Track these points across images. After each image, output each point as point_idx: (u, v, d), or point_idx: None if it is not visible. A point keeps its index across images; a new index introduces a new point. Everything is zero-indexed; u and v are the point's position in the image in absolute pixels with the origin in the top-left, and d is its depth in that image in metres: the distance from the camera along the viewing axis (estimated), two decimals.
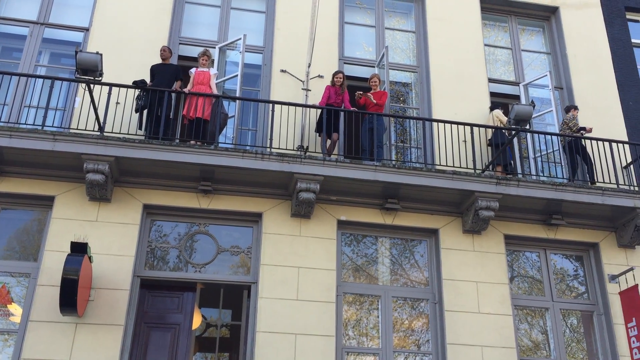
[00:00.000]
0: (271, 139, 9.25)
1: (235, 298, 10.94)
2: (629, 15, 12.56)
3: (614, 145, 10.39)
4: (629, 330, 9.20)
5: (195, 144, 8.80)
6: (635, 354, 9.00)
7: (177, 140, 9.25)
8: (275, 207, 9.23)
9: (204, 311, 12.24)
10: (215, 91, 9.57)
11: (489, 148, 10.31)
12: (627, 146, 10.56)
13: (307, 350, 8.41)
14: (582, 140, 10.37)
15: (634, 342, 9.08)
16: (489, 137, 10.32)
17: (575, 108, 10.70)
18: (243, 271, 9.09)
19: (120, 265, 8.40)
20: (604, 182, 9.89)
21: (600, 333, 9.62)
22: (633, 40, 12.23)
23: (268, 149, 9.29)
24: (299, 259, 8.95)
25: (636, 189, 9.94)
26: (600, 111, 11.18)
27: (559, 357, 9.38)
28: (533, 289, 9.98)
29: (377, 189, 9.30)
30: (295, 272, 8.85)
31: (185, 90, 9.40)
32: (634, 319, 9.13)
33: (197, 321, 10.36)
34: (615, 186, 9.86)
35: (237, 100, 9.73)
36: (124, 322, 8.14)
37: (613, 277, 9.72)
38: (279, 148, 9.28)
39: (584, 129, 10.47)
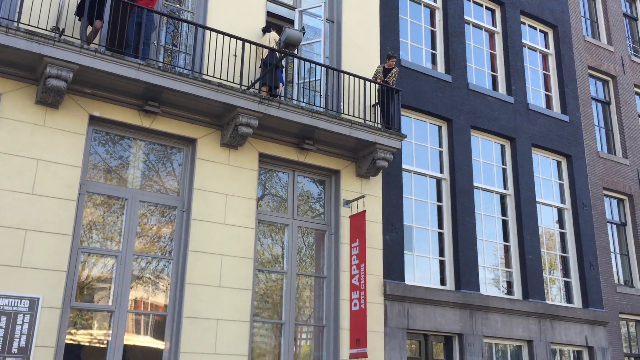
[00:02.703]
0: (20, 13, 8.12)
1: None
2: None
3: (367, 83, 11.29)
4: (352, 249, 10.41)
5: None
6: (354, 269, 10.25)
7: None
8: (18, 90, 8.24)
9: None
10: None
11: (260, 68, 10.45)
12: (376, 86, 11.54)
13: (38, 248, 7.87)
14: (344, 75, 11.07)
15: (354, 259, 10.32)
16: (264, 57, 10.43)
17: (392, 57, 11.25)
18: None
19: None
20: (353, 116, 10.74)
21: (328, 250, 10.71)
22: None
23: (16, 24, 8.16)
24: (40, 150, 8.20)
25: (379, 126, 11.02)
26: (363, 50, 12.01)
27: (291, 270, 10.26)
28: (280, 208, 10.63)
29: (139, 89, 8.85)
30: (34, 164, 8.11)
31: None
32: (357, 239, 10.34)
33: None
34: (362, 121, 10.79)
35: None
36: None
37: (347, 202, 10.81)
38: (29, 25, 8.19)
39: (386, 82, 11.15)
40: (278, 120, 9.81)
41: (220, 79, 9.46)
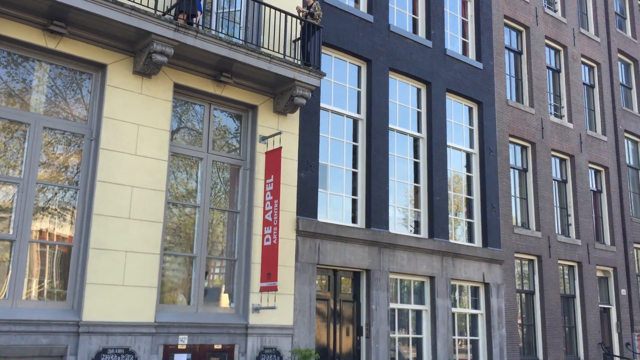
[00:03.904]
0: None
1: None
2: None
3: (289, 18, 11.05)
4: (267, 185, 10.45)
5: None
6: (268, 205, 10.32)
7: None
8: None
9: None
10: None
11: None
12: (297, 21, 11.33)
13: None
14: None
15: (268, 195, 10.37)
16: None
17: None
18: None
19: None
20: (272, 51, 10.54)
21: (243, 185, 10.69)
22: None
23: None
24: None
25: (299, 63, 10.90)
26: None
27: (204, 204, 10.18)
28: (196, 141, 10.41)
29: (43, 6, 8.24)
30: None
31: None
32: (272, 176, 10.37)
33: None
34: (281, 56, 10.63)
35: None
36: None
37: (263, 138, 10.74)
38: None
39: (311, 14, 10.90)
40: (195, 50, 9.48)
41: (133, 1, 8.95)
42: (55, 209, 8.82)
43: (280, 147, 10.39)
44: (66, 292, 8.55)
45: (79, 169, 8.98)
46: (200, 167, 10.33)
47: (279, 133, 10.64)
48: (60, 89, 9.05)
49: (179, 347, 9.19)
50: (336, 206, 12.27)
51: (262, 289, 10.08)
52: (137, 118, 9.27)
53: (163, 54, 9.06)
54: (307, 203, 11.28)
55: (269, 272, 10.00)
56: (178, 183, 10.23)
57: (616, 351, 18.12)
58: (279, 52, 10.60)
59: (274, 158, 10.43)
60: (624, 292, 18.85)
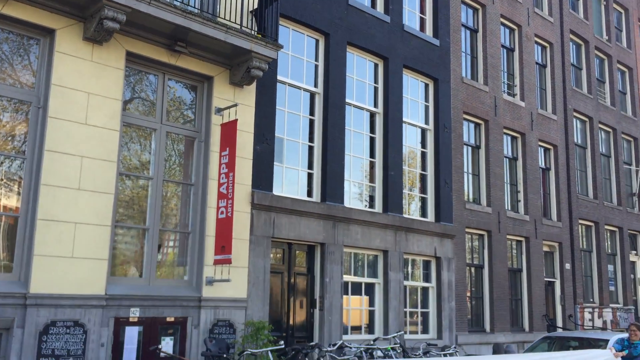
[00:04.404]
0: None
1: None
2: None
3: None
4: (222, 157, 10.34)
5: None
6: (223, 178, 10.23)
7: None
8: None
9: None
10: None
11: None
12: None
13: None
14: None
15: (223, 168, 10.27)
16: None
17: None
18: None
19: None
20: (229, 21, 10.35)
21: (197, 158, 10.55)
22: None
23: None
24: None
25: (256, 34, 10.74)
26: None
27: (157, 175, 10.02)
28: (150, 112, 10.18)
29: None
30: None
31: None
32: (227, 148, 10.26)
33: None
34: (238, 27, 10.45)
35: None
36: None
37: (219, 110, 10.60)
38: None
39: None
40: (148, 17, 9.22)
41: None
42: (2, 179, 8.53)
43: (236, 120, 10.27)
44: (12, 265, 8.33)
45: (27, 138, 8.68)
46: (154, 139, 10.13)
47: (235, 105, 10.51)
48: (6, 54, 8.69)
49: (131, 319, 9.10)
50: (292, 180, 12.27)
51: (216, 262, 10.04)
52: (87, 86, 8.99)
53: (115, 20, 8.78)
54: (263, 176, 11.24)
55: (223, 245, 9.96)
56: (131, 154, 10.02)
57: (559, 323, 18.88)
58: (235, 23, 10.41)
59: (229, 130, 10.31)
60: (568, 266, 19.59)
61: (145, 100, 10.25)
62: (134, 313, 9.13)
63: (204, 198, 10.32)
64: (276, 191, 11.66)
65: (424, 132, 15.38)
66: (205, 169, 10.43)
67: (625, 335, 9.73)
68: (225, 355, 9.20)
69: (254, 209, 10.95)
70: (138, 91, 10.21)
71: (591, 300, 20.85)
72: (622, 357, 8.99)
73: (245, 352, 9.43)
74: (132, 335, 9.03)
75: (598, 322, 20.35)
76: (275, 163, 11.74)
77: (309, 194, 12.47)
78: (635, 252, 23.67)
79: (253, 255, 10.81)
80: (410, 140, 15.00)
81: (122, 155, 9.75)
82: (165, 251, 10.38)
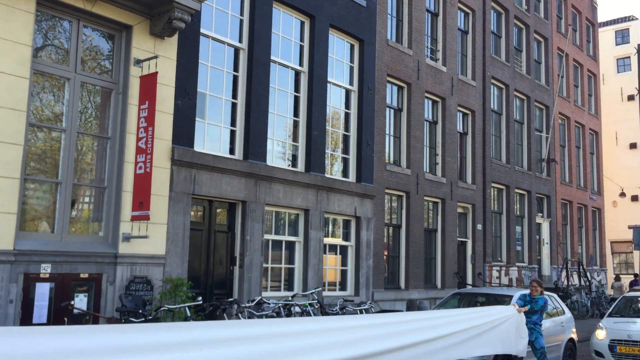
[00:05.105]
0: None
1: None
2: None
3: None
4: (141, 111, 10.01)
5: None
6: (141, 132, 9.93)
7: None
8: None
9: None
10: None
11: None
12: None
13: None
14: None
15: (142, 122, 9.96)
16: None
17: None
18: None
19: None
20: None
21: (115, 110, 10.16)
22: None
23: None
24: None
25: None
26: None
27: (71, 127, 9.58)
28: (64, 61, 9.65)
29: None
30: None
31: None
32: (147, 102, 9.94)
33: None
34: None
35: None
36: None
37: (138, 62, 10.20)
38: None
39: None
40: None
41: None
42: None
43: (156, 72, 9.94)
44: None
45: None
46: (68, 89, 9.65)
47: (155, 57, 10.14)
48: None
49: (42, 275, 8.79)
50: (214, 136, 12.07)
51: (134, 218, 9.82)
52: None
53: None
54: (184, 132, 11.00)
55: (141, 201, 9.74)
56: (43, 105, 9.51)
57: (469, 280, 19.90)
58: None
59: (149, 83, 9.97)
60: (479, 227, 20.56)
61: (59, 48, 9.70)
62: (45, 269, 8.83)
63: (122, 152, 10.00)
64: (197, 148, 11.45)
65: (348, 93, 15.48)
66: (123, 122, 10.07)
67: (527, 291, 10.37)
68: (141, 311, 9.10)
69: (174, 165, 10.74)
70: (51, 38, 9.64)
71: (499, 259, 22.05)
72: (524, 312, 9.60)
73: (162, 308, 9.36)
74: (43, 291, 8.75)
75: (505, 280, 21.60)
76: (197, 119, 11.50)
77: (232, 151, 12.34)
78: (541, 214, 25.13)
79: (172, 211, 10.65)
80: (335, 101, 15.07)
81: (34, 106, 9.24)
82: (80, 207, 10.03)
